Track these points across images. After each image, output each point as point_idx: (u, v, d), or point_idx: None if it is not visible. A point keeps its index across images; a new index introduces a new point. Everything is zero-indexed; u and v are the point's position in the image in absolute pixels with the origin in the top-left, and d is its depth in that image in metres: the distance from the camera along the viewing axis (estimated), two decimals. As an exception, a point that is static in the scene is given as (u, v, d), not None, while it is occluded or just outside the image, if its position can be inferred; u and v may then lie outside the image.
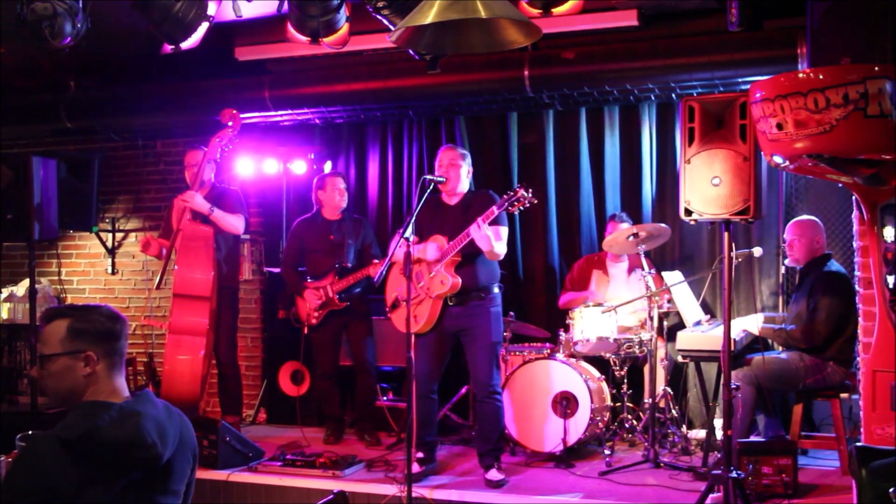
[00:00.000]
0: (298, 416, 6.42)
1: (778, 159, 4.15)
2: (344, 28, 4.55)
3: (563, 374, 5.60)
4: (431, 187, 5.11)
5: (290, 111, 6.78)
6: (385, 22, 4.25)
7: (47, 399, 2.59)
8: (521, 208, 5.11)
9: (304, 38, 4.51)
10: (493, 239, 5.10)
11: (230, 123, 6.16)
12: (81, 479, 2.33)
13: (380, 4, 4.09)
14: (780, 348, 5.39)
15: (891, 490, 2.88)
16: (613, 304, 5.76)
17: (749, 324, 5.38)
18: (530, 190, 5.08)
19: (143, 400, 2.52)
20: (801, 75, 4.00)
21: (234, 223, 6.24)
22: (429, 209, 5.28)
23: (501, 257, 5.28)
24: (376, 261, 6.03)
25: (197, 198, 6.09)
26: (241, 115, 6.31)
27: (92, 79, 7.17)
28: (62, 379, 2.49)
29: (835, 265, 5.34)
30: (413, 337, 4.73)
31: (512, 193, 5.07)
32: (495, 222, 5.12)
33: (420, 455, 5.24)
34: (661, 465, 5.36)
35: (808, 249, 5.35)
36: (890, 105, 3.71)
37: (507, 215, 5.19)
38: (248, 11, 4.50)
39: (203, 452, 5.55)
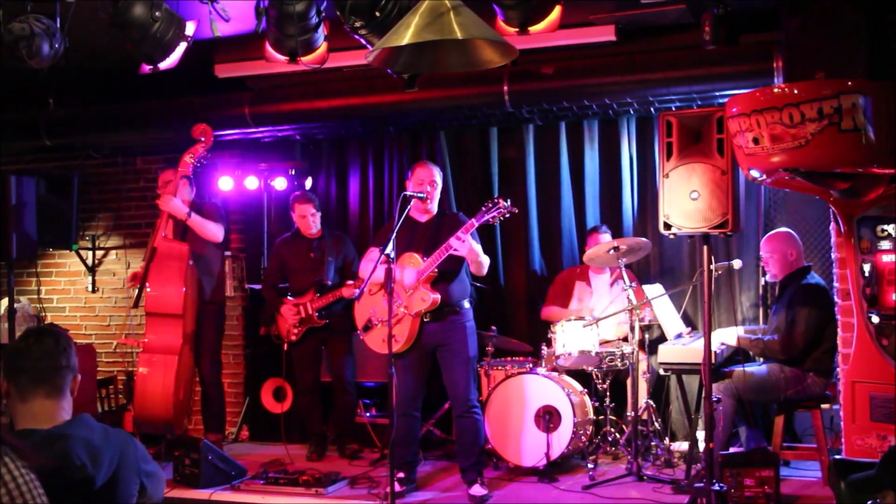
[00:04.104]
0: (283, 433, 6.39)
1: (755, 173, 4.19)
2: (322, 47, 4.56)
3: (545, 388, 5.60)
4: (412, 203, 5.11)
5: (270, 127, 6.77)
6: (362, 41, 4.26)
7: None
8: (501, 219, 5.13)
9: (282, 58, 4.51)
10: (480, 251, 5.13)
11: (202, 139, 6.14)
12: None
13: (357, 24, 4.10)
14: (760, 359, 5.42)
15: (868, 503, 2.90)
16: (595, 318, 5.78)
17: (729, 337, 5.41)
18: (509, 199, 5.10)
19: (77, 423, 2.47)
20: (776, 90, 4.04)
21: (212, 230, 6.20)
22: (401, 227, 5.28)
23: (486, 271, 5.30)
24: (350, 282, 6.04)
25: (173, 201, 6.06)
26: (222, 132, 6.31)
27: (71, 96, 7.14)
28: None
29: (814, 277, 5.37)
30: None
31: (491, 204, 5.08)
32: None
33: (401, 475, 5.23)
34: (645, 478, 5.36)
35: (783, 264, 5.37)
36: (863, 119, 3.76)
37: (484, 230, 5.20)
38: (227, 29, 4.51)
39: (185, 471, 5.53)
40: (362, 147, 7.25)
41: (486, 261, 5.24)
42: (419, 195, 5.23)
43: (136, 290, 6.21)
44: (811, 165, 3.98)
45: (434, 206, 5.40)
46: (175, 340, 5.94)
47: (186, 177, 6.20)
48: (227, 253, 7.20)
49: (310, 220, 6.31)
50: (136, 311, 6.47)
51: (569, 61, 6.08)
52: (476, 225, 5.10)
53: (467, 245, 5.06)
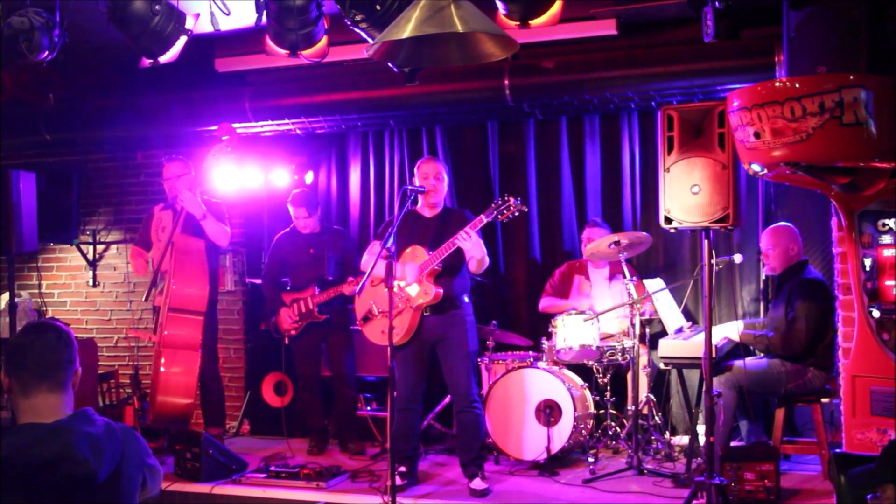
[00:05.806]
0: (284, 427, 6.40)
1: (756, 167, 4.18)
2: (323, 41, 4.55)
3: (545, 383, 5.60)
4: (413, 198, 5.11)
5: (270, 122, 6.76)
6: (363, 35, 4.25)
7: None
8: (511, 216, 5.13)
9: (282, 52, 4.51)
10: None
11: (226, 137, 6.06)
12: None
13: (357, 18, 4.09)
14: (761, 353, 5.42)
15: (868, 497, 2.90)
16: (595, 312, 5.78)
17: (730, 331, 5.41)
18: (519, 198, 5.10)
19: (79, 418, 2.47)
20: (777, 84, 4.03)
21: (222, 232, 6.19)
22: (406, 221, 5.27)
23: (483, 270, 5.31)
24: (351, 278, 6.03)
25: (193, 199, 6.01)
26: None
27: (71, 91, 7.13)
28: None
29: (812, 272, 5.36)
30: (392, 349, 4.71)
31: (501, 202, 5.09)
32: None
33: (402, 469, 5.23)
34: (645, 472, 5.37)
35: (784, 258, 5.37)
36: (865, 113, 3.75)
37: (487, 226, 5.20)
38: (227, 24, 4.49)
39: (186, 465, 5.53)
40: (363, 141, 7.24)
41: (486, 261, 5.24)
42: (419, 189, 5.22)
43: (148, 284, 6.20)
44: (812, 160, 3.97)
45: (440, 202, 5.40)
46: (196, 337, 5.96)
47: (205, 173, 6.14)
48: (228, 248, 7.20)
49: (302, 221, 6.30)
50: (139, 305, 6.46)
51: (570, 55, 6.07)
52: (485, 221, 5.10)
53: (473, 241, 5.05)
